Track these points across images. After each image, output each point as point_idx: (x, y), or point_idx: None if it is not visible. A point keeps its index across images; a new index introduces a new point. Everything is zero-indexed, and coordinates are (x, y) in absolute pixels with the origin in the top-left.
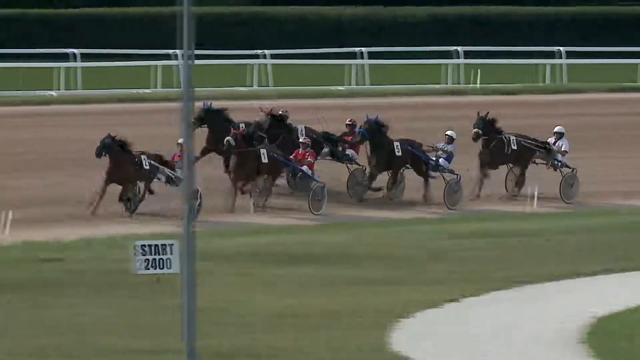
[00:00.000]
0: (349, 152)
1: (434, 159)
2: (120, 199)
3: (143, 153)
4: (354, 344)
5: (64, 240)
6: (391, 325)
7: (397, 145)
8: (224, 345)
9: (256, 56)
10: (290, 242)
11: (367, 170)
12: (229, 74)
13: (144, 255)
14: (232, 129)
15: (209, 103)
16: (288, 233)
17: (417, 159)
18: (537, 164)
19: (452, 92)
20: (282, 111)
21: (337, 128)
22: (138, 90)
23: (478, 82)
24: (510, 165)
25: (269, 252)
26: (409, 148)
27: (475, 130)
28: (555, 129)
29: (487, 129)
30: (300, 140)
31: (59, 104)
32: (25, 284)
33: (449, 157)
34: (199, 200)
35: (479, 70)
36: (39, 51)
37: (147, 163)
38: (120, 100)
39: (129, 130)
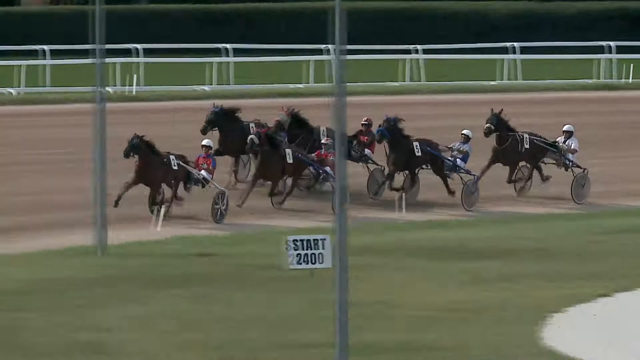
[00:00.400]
0: (366, 151)
1: (451, 159)
2: (153, 202)
3: (170, 153)
4: (511, 339)
5: (215, 236)
6: (545, 320)
7: (416, 145)
8: (386, 340)
9: (408, 51)
10: (442, 237)
11: (386, 170)
12: (381, 69)
13: (295, 250)
14: (254, 128)
15: (219, 105)
16: (435, 228)
17: (436, 159)
18: (545, 163)
19: (607, 87)
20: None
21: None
22: (291, 84)
23: (630, 77)
24: (523, 163)
25: (421, 247)
26: (428, 148)
27: (488, 125)
28: (565, 128)
29: (500, 125)
30: (323, 141)
31: (210, 99)
32: (185, 278)
33: (465, 157)
34: (225, 204)
35: (632, 65)
36: (192, 46)
37: (175, 164)
38: (271, 94)
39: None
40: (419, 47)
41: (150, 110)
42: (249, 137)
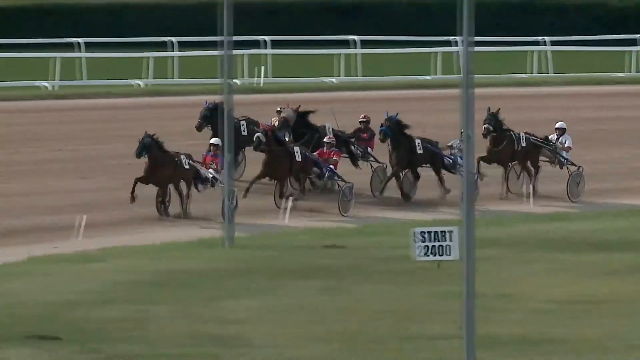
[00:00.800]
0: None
1: (452, 157)
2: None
3: (178, 153)
4: (636, 331)
5: (342, 228)
6: None
7: (418, 143)
8: (510, 332)
9: (536, 43)
10: (568, 229)
11: (388, 168)
12: (509, 61)
13: (423, 242)
14: (260, 125)
15: (213, 101)
16: (561, 220)
17: (437, 157)
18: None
19: None
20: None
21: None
22: (418, 76)
23: None
24: (512, 163)
25: (548, 239)
26: (429, 146)
27: (486, 126)
28: (557, 125)
29: (497, 125)
30: (325, 139)
31: (338, 91)
32: (311, 270)
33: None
34: (235, 202)
35: None
36: (319, 38)
37: (187, 163)
38: (399, 86)
39: (403, 117)
40: (546, 38)
41: (278, 102)
42: (255, 135)
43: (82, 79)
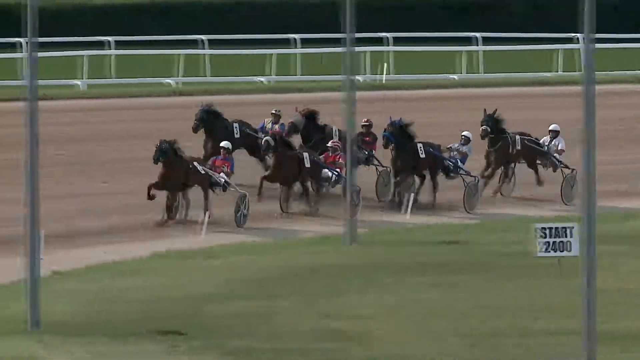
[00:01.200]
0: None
1: (453, 160)
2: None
3: (194, 159)
4: None
5: (462, 224)
6: None
7: (420, 147)
8: (631, 328)
9: None
10: None
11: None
12: (627, 57)
13: (544, 238)
14: (238, 128)
15: (209, 103)
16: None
17: (438, 161)
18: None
19: None
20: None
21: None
22: (540, 73)
23: None
24: (504, 166)
25: None
26: (431, 150)
27: (484, 127)
28: (551, 127)
29: (495, 127)
30: (329, 144)
31: (460, 88)
32: (432, 265)
33: (463, 159)
34: (247, 207)
35: None
36: (441, 35)
37: (202, 169)
38: (520, 83)
39: (525, 114)
40: None
41: (400, 98)
42: (264, 139)
43: (205, 76)
